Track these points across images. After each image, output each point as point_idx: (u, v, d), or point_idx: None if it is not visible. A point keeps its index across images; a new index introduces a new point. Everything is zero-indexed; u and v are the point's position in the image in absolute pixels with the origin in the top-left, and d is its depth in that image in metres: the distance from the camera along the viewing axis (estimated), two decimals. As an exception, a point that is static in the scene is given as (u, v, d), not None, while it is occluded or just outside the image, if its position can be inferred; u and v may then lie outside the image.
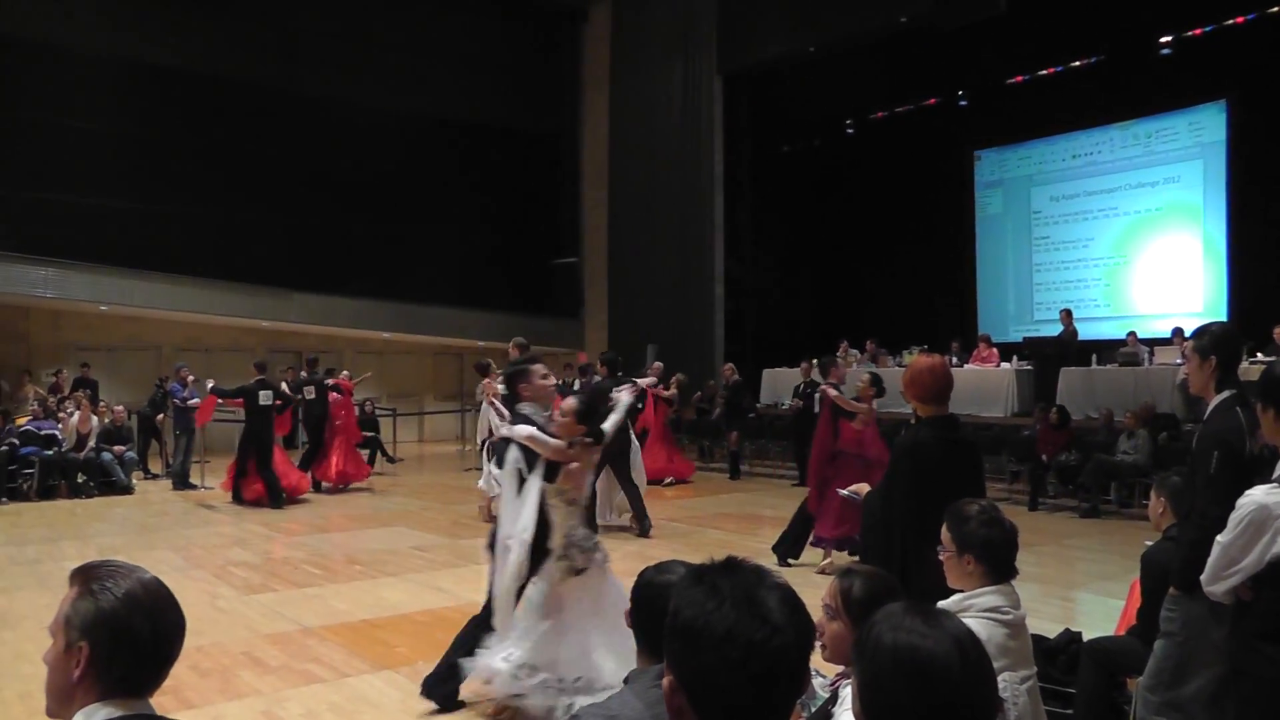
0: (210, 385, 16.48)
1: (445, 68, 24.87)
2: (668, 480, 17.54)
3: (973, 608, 3.44)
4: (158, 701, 5.82)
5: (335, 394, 16.92)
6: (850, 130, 24.41)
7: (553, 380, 6.44)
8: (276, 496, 15.05)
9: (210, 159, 22.04)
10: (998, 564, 3.53)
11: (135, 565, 2.10)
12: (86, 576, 2.05)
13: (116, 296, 20.98)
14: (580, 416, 5.94)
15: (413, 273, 23.92)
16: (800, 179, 25.06)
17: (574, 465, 5.88)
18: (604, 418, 6.18)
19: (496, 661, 5.87)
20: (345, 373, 18.32)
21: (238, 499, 15.41)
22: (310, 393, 16.83)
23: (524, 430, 5.85)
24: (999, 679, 2.93)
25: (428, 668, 6.69)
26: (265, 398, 15.48)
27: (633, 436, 13.40)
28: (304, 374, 17.19)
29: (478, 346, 25.52)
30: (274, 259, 22.26)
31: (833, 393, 10.56)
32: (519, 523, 5.82)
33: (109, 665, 1.98)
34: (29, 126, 20.25)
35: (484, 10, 25.42)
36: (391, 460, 20.60)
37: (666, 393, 18.05)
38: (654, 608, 2.63)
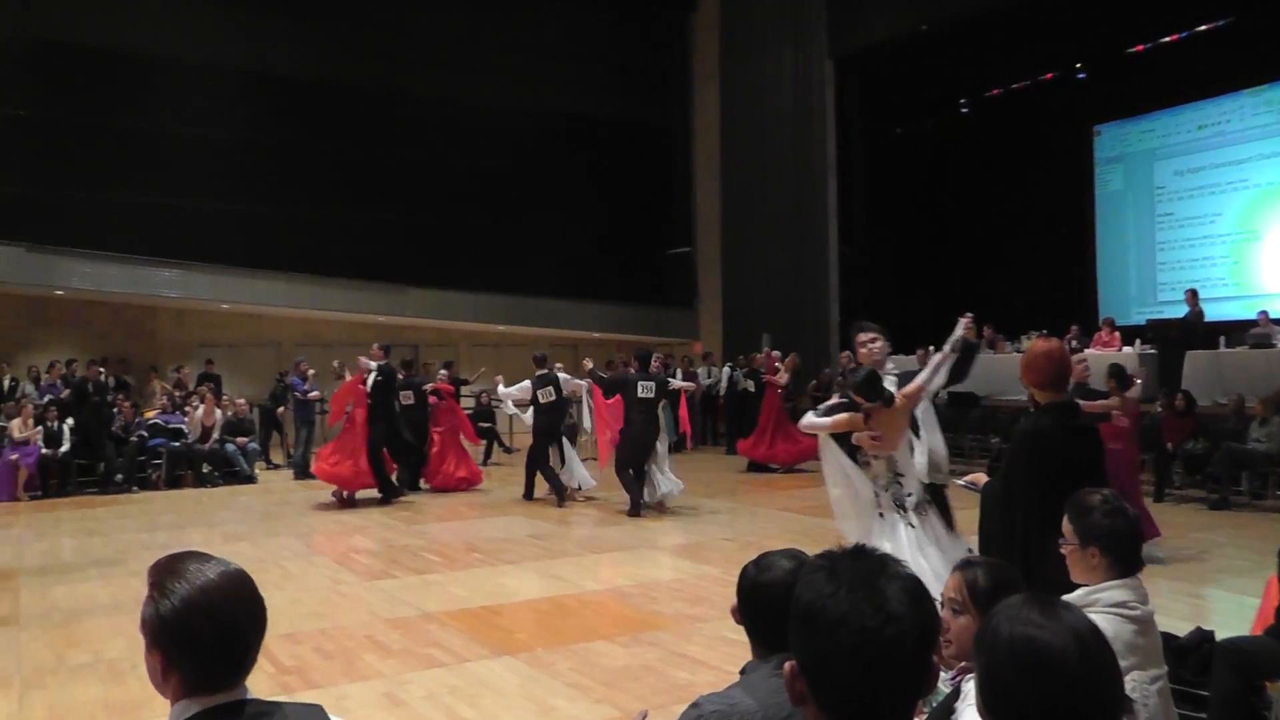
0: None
1: (556, 63, 24.94)
2: (774, 467, 17.51)
3: (1098, 602, 3.27)
4: (284, 681, 6.05)
5: (434, 398, 16.62)
6: (964, 110, 23.87)
7: (879, 344, 6.90)
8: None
9: (326, 161, 22.50)
10: (1123, 556, 3.36)
11: (205, 560, 2.07)
12: (154, 578, 2.04)
13: (238, 295, 21.70)
14: (861, 391, 6.32)
15: (527, 266, 24.06)
16: (914, 162, 24.53)
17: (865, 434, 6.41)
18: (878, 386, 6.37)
19: None
20: (443, 373, 17.99)
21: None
22: (409, 398, 15.96)
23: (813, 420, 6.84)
24: (1127, 678, 2.82)
25: (547, 654, 6.74)
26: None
27: (662, 424, 13.83)
28: (401, 377, 16.01)
29: (593, 338, 25.67)
30: (390, 255, 22.62)
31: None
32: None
33: (180, 667, 1.98)
34: (154, 137, 20.97)
35: (593, 5, 25.47)
36: (508, 450, 20.74)
37: (778, 377, 17.95)
38: (758, 600, 2.63)
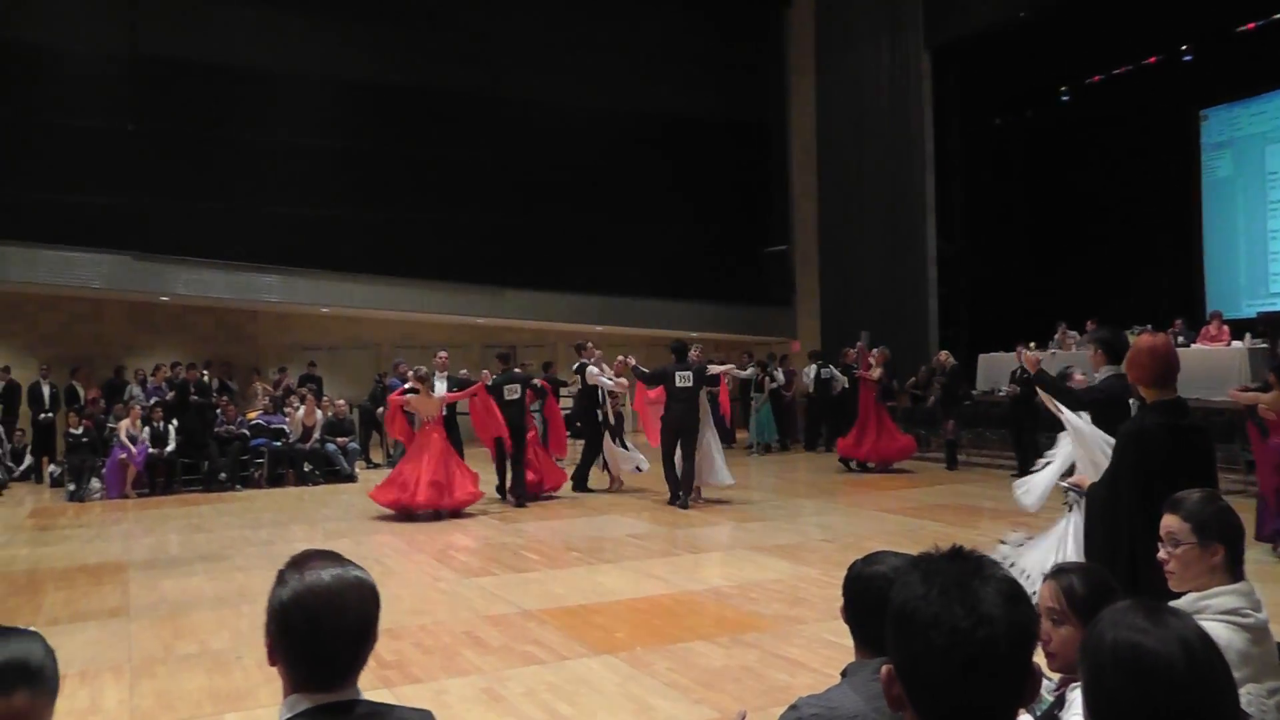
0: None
1: (649, 62, 24.89)
2: (870, 465, 17.38)
3: (1208, 609, 3.02)
4: (384, 675, 6.09)
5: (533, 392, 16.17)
6: (1065, 98, 23.10)
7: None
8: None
9: (422, 166, 22.75)
10: (1239, 557, 3.14)
11: (329, 562, 2.08)
12: (286, 565, 2.06)
13: (337, 299, 22.06)
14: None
15: (623, 266, 24.04)
16: (1013, 152, 24.03)
17: None
18: None
19: None
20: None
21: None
22: (514, 391, 14.92)
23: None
24: (1242, 691, 2.66)
25: (646, 653, 6.70)
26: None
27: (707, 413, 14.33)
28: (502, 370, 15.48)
29: (690, 338, 25.56)
30: (487, 258, 22.78)
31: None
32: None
33: (282, 658, 2.01)
34: (256, 147, 21.46)
35: (686, 1, 25.38)
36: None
37: (870, 373, 17.74)
38: (865, 600, 2.60)
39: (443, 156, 22.87)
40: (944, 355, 18.99)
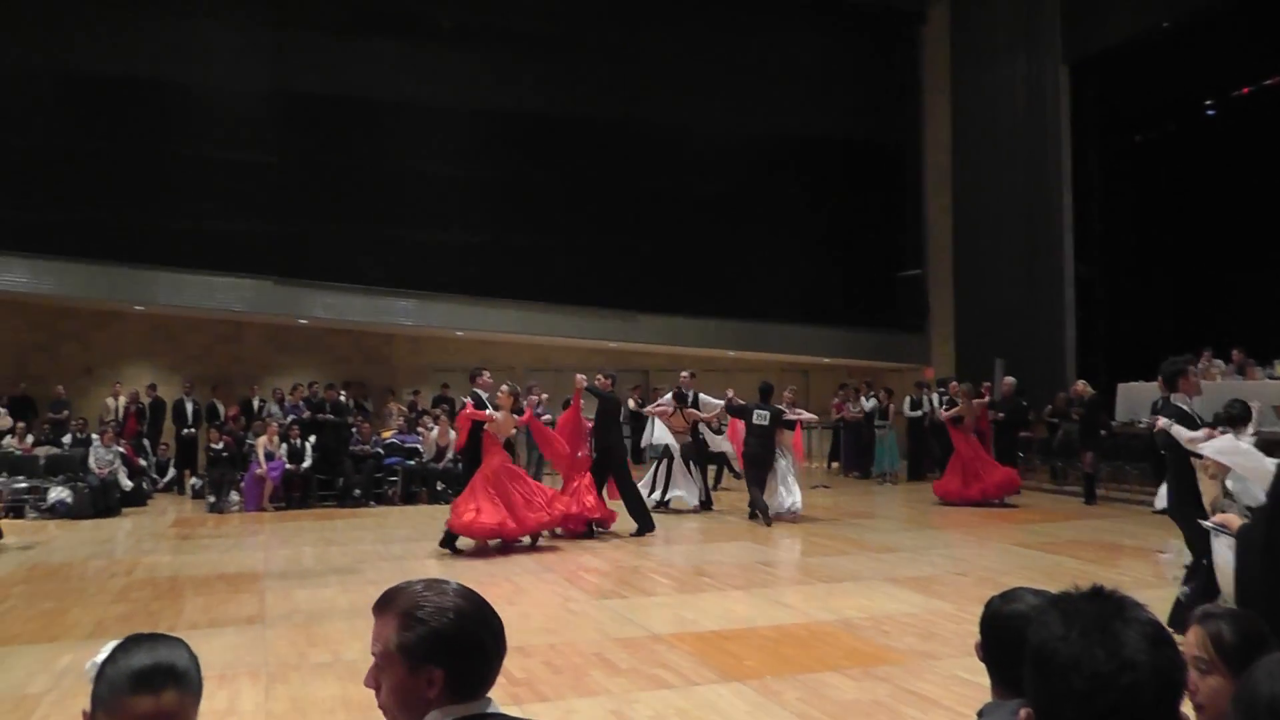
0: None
1: (781, 84, 24.77)
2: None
3: None
4: (514, 692, 6.10)
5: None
6: (1210, 111, 22.14)
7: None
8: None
9: (555, 192, 23.08)
10: None
11: (445, 582, 2.12)
12: (401, 606, 2.07)
13: (471, 322, 22.47)
14: None
15: (755, 290, 23.96)
16: (1155, 171, 22.92)
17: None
18: None
19: None
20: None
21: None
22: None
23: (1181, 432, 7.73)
24: None
25: (776, 682, 6.61)
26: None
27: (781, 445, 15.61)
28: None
29: (822, 363, 25.39)
30: (619, 282, 22.96)
31: None
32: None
33: (462, 678, 2.03)
34: (393, 175, 22.09)
35: (817, 23, 25.18)
36: (737, 476, 20.63)
37: (949, 412, 17.41)
38: (1003, 638, 2.47)
39: (576, 182, 23.18)
40: (1082, 384, 18.36)
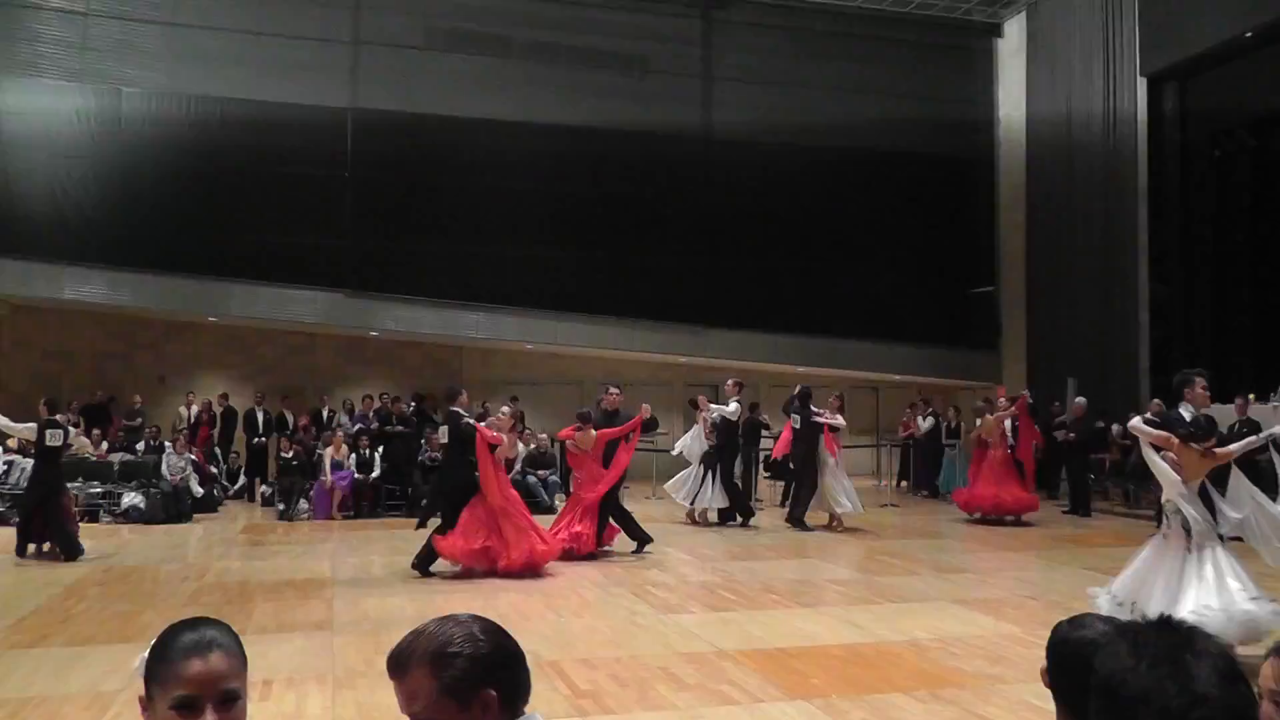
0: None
1: (854, 99, 24.62)
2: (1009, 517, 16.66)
3: None
4: (579, 704, 6.12)
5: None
6: None
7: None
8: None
9: (627, 207, 23.19)
10: None
11: (439, 619, 2.14)
12: (424, 654, 2.07)
13: (541, 336, 22.60)
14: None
15: (826, 306, 23.85)
16: (1235, 186, 22.00)
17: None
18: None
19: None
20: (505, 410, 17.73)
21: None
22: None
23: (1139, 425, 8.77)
24: None
25: (842, 702, 6.54)
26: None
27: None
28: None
29: (893, 380, 25.19)
30: (690, 297, 23.01)
31: None
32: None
33: (514, 690, 2.08)
34: (463, 190, 22.29)
35: (891, 37, 25.01)
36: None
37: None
38: (1069, 664, 2.42)
39: (648, 197, 23.26)
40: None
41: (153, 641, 2.10)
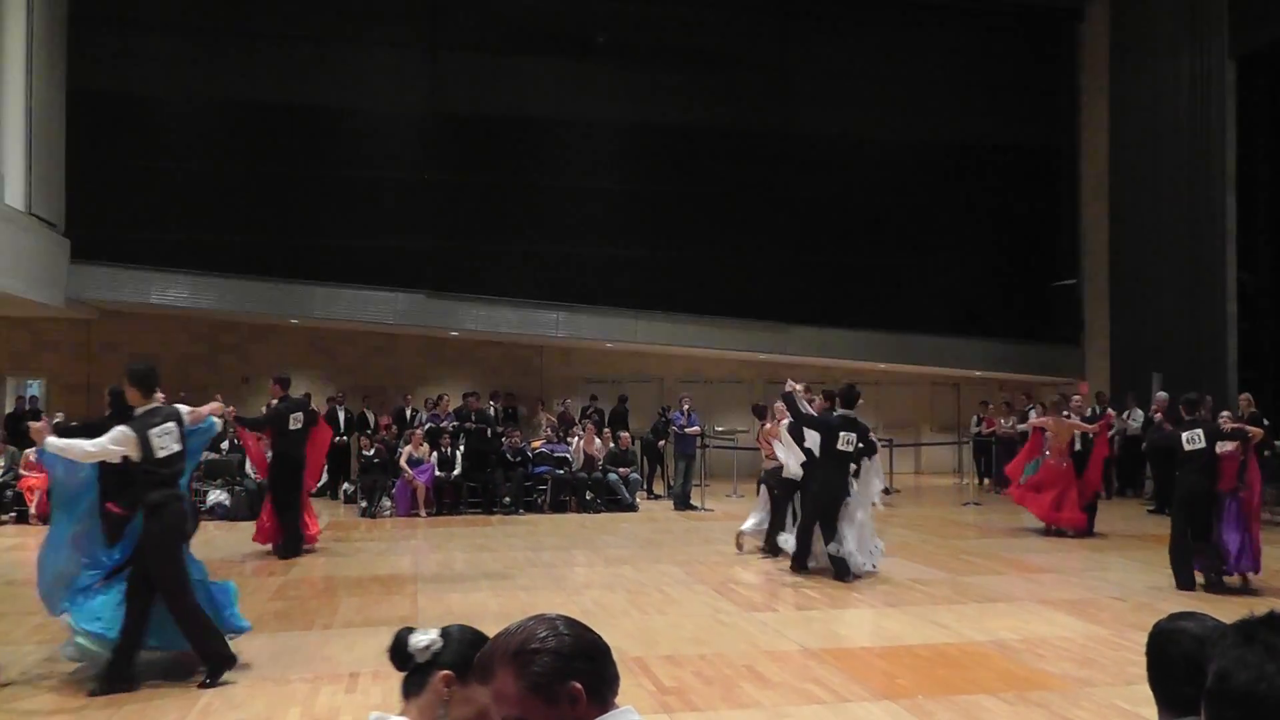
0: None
1: (933, 90, 24.48)
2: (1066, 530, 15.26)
3: None
4: (664, 700, 6.17)
5: None
6: None
7: None
8: None
9: (705, 204, 23.31)
10: None
11: (515, 624, 2.10)
12: (506, 654, 2.05)
13: (621, 335, 22.65)
14: None
15: (907, 302, 23.77)
16: None
17: None
18: None
19: None
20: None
21: None
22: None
23: None
24: None
25: (929, 703, 6.50)
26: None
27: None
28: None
29: (974, 376, 24.93)
30: (771, 294, 23.04)
31: None
32: None
33: (601, 680, 2.05)
34: (544, 190, 22.70)
35: (972, 25, 24.80)
36: (888, 491, 20.32)
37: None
38: (1167, 657, 2.39)
39: (727, 193, 23.34)
40: (1245, 400, 17.38)
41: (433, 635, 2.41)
